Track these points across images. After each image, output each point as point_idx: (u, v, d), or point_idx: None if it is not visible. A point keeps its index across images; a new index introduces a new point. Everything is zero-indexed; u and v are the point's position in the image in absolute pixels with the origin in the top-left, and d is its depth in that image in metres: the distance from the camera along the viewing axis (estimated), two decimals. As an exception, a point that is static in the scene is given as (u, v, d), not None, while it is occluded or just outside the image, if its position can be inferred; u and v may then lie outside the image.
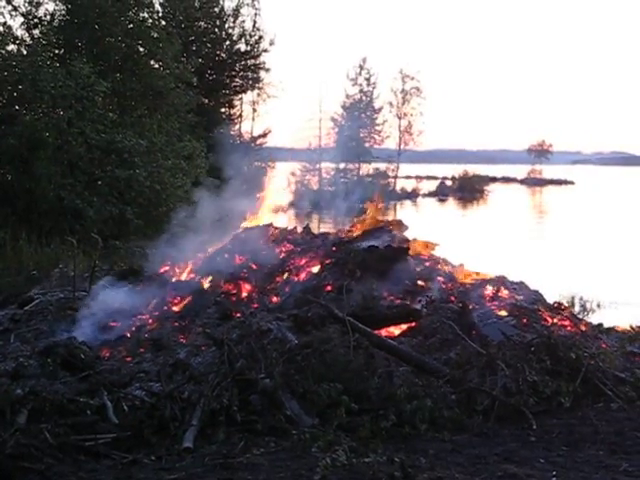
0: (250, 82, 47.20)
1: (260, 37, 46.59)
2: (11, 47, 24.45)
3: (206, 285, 11.67)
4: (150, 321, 10.69)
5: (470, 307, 10.00)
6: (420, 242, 12.63)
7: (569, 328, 9.95)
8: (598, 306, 12.95)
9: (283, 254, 12.35)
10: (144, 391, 7.72)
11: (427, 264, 11.95)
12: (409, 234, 13.01)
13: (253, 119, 51.28)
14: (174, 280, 11.99)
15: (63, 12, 26.99)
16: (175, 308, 11.14)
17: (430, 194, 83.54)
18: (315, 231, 13.98)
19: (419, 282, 11.12)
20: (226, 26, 45.68)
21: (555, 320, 10.04)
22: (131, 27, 27.08)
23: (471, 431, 6.94)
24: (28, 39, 25.90)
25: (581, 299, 13.10)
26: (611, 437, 6.72)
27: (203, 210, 12.13)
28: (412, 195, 79.76)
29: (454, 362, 8.37)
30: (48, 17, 26.92)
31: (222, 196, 12.08)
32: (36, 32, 26.40)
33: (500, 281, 11.41)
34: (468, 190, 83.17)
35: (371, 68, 75.29)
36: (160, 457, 6.24)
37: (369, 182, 62.91)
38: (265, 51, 46.75)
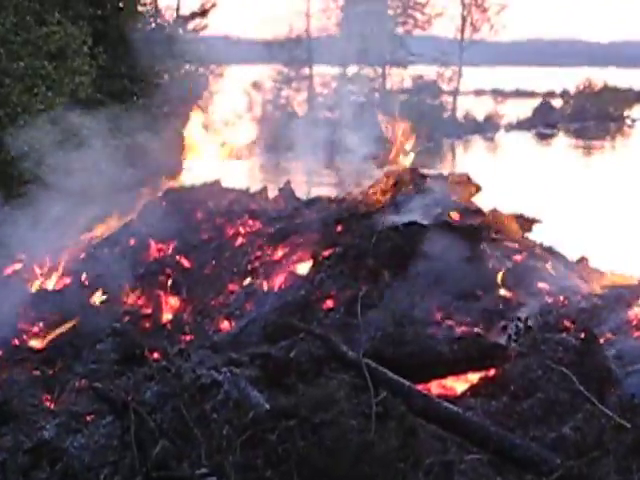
0: None
1: None
2: None
3: (96, 298, 9.67)
4: (-11, 367, 8.95)
5: (602, 340, 7.97)
6: (506, 216, 10.39)
7: None
8: None
9: (242, 238, 10.39)
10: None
11: (518, 257, 9.74)
12: (482, 201, 10.69)
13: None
14: (34, 289, 9.95)
15: None
16: (35, 342, 9.21)
17: (521, 124, 55.65)
18: (302, 195, 11.86)
19: (503, 291, 9.04)
20: None
21: None
22: None
23: None
24: None
25: None
26: None
27: (89, 158, 9.45)
28: (487, 127, 52.71)
29: (571, 444, 6.58)
30: None
31: (124, 131, 8.91)
32: None
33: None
34: (595, 117, 56.27)
35: None
36: None
37: (405, 102, 42.10)
38: None
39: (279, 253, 10.27)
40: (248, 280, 10.12)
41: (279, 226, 10.81)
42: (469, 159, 38.80)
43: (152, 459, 6.07)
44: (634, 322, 8.65)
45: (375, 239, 9.59)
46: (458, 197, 10.66)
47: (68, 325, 9.31)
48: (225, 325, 9.56)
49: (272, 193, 11.97)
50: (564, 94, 63.54)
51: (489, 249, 9.92)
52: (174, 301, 10.06)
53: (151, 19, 28.25)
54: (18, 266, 10.67)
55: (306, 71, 42.33)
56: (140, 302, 10.03)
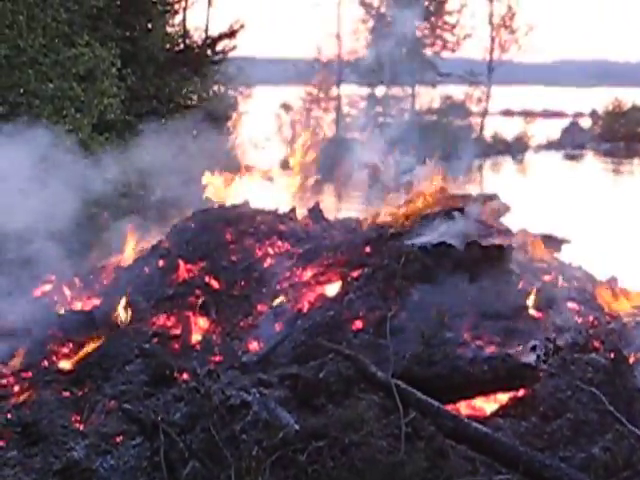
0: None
1: None
2: None
3: (123, 318, 9.39)
4: (16, 388, 8.39)
5: (631, 360, 8.00)
6: (535, 237, 10.46)
7: None
8: None
9: (270, 259, 10.21)
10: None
11: (547, 277, 9.66)
12: (511, 221, 10.50)
13: (210, 3, 33.89)
14: (62, 310, 9.55)
15: None
16: (64, 363, 8.82)
17: (550, 145, 53.78)
18: (330, 216, 11.66)
19: (532, 311, 8.85)
20: None
21: None
22: None
23: None
24: None
25: None
26: None
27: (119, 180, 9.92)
28: (516, 147, 50.86)
29: (601, 465, 6.66)
30: None
31: (155, 152, 8.79)
32: None
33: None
34: (623, 137, 54.10)
35: None
36: None
37: (433, 123, 41.66)
38: None
39: (308, 274, 10.06)
40: (277, 300, 9.80)
41: (308, 247, 10.63)
42: (498, 179, 37.22)
43: (181, 480, 6.24)
44: (663, 342, 8.55)
45: (404, 260, 9.43)
46: (487, 217, 10.43)
47: (94, 345, 8.99)
48: (254, 346, 9.30)
49: (301, 212, 11.63)
50: (593, 114, 60.27)
51: (518, 269, 9.78)
52: (203, 322, 9.79)
53: (180, 40, 26.79)
54: (47, 287, 10.45)
55: (333, 92, 41.71)
56: (169, 323, 9.75)
